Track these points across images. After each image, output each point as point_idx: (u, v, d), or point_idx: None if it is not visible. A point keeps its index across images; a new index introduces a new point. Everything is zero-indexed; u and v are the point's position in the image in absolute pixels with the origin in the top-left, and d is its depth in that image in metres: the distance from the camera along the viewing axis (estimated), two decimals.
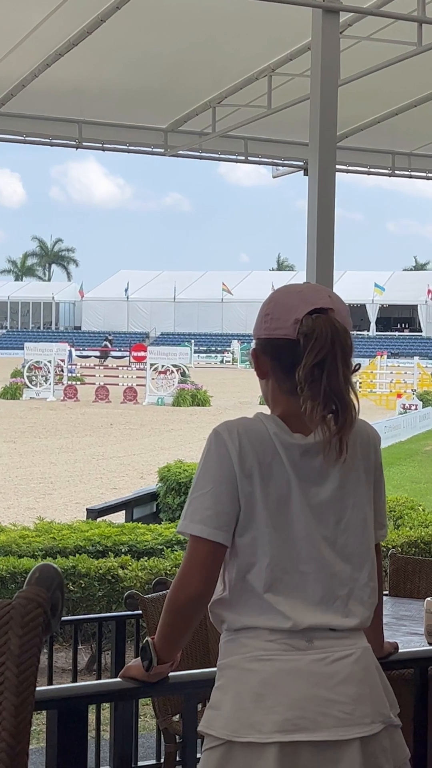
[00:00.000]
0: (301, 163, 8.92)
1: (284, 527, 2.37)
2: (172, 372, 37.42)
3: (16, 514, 14.15)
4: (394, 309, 79.22)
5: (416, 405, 32.06)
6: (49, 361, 38.90)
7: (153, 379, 37.58)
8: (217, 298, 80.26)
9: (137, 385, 37.97)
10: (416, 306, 78.63)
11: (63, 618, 6.16)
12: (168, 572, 7.45)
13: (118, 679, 2.57)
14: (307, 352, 2.32)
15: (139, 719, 5.71)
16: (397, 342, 73.35)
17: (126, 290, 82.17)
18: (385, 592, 5.36)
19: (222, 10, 6.59)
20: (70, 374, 40.73)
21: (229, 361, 63.65)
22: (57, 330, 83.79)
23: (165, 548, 8.21)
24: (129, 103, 8.10)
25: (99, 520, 9.81)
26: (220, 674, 2.41)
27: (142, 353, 41.32)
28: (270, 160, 9.27)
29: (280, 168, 9.48)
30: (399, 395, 35.26)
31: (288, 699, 2.31)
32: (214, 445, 2.37)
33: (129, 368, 42.05)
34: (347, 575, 2.41)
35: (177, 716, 4.31)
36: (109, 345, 59.76)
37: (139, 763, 5.24)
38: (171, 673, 2.55)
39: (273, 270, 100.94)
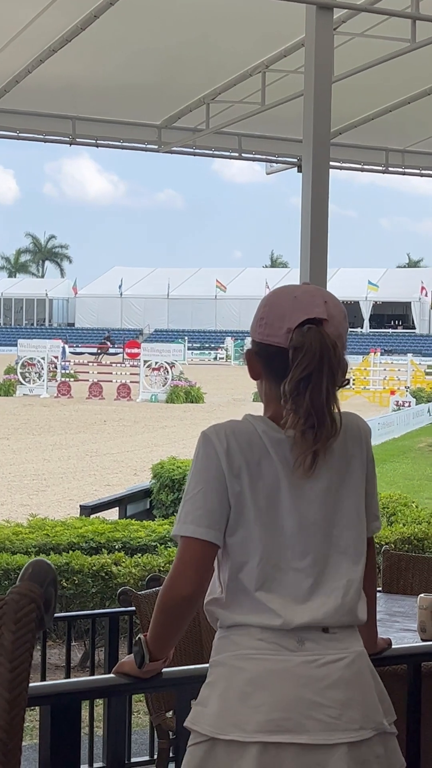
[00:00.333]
0: (295, 160, 8.90)
1: (275, 525, 2.38)
2: (166, 369, 37.42)
3: (9, 511, 14.15)
4: (387, 306, 79.31)
5: (409, 402, 32.11)
6: (43, 358, 38.88)
7: (146, 375, 37.57)
8: (210, 294, 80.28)
9: (131, 381, 37.98)
10: (409, 303, 78.74)
11: (56, 614, 6.17)
12: (161, 569, 7.45)
13: (111, 675, 2.57)
14: (295, 365, 2.33)
15: (133, 716, 5.72)
16: (391, 339, 73.46)
17: (120, 287, 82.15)
18: (378, 589, 5.37)
19: (216, 6, 6.59)
20: (63, 371, 40.73)
21: (222, 358, 63.69)
22: (50, 327, 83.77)
23: (158, 545, 8.22)
24: (123, 100, 8.09)
25: (92, 516, 9.80)
26: (210, 671, 2.42)
27: (135, 350, 41.32)
28: (264, 157, 9.26)
29: (274, 165, 9.47)
30: (392, 392, 35.32)
31: (273, 699, 2.31)
32: (202, 447, 2.39)
33: (122, 365, 42.06)
34: (343, 570, 2.42)
35: (170, 712, 4.31)
36: (108, 342, 59.80)
37: (133, 760, 5.25)
38: (164, 669, 2.56)
39: (267, 267, 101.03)
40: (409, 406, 31.29)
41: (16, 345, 42.77)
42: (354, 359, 48.45)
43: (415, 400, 32.76)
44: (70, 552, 7.81)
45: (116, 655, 4.94)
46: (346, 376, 2.47)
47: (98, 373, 41.10)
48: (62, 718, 2.47)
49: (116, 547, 8.16)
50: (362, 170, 9.56)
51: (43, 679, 5.20)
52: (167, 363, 37.73)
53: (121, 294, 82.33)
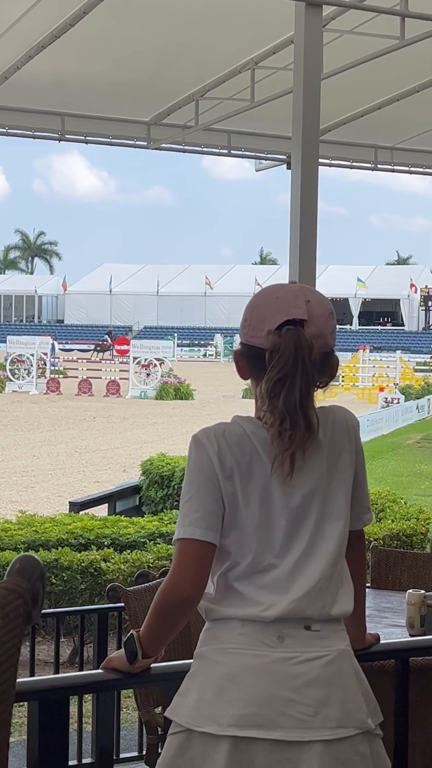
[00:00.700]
0: (284, 157, 8.91)
1: (268, 524, 2.40)
2: (155, 365, 37.41)
3: None
4: (376, 303, 79.36)
5: (398, 399, 32.16)
6: (32, 355, 38.83)
7: (136, 372, 37.55)
8: (200, 291, 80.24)
9: (120, 378, 37.95)
10: (398, 300, 78.82)
11: (45, 611, 6.16)
12: (150, 565, 7.46)
13: (100, 671, 2.58)
14: (270, 367, 2.35)
15: (122, 712, 5.72)
16: (380, 336, 73.53)
17: (109, 284, 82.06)
18: (366, 585, 5.38)
19: (205, 3, 6.59)
20: (52, 367, 40.66)
21: (212, 355, 63.67)
22: (40, 323, 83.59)
23: (147, 541, 8.22)
24: (112, 96, 8.08)
25: (81, 513, 9.81)
26: (193, 663, 2.45)
27: (125, 347, 41.28)
28: (253, 154, 9.27)
29: (263, 162, 9.47)
30: (381, 389, 35.39)
31: (248, 695, 2.32)
32: (194, 450, 2.41)
33: (112, 362, 42.01)
34: (330, 561, 2.42)
35: (159, 708, 4.31)
36: (109, 339, 59.73)
37: (121, 755, 5.26)
38: (152, 665, 2.57)
39: (256, 264, 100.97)
40: (398, 403, 31.34)
41: (5, 341, 42.69)
42: (343, 356, 48.43)
43: (403, 397, 32.81)
44: (59, 548, 7.81)
45: (105, 651, 4.94)
46: (336, 373, 2.48)
47: (87, 369, 41.05)
48: (50, 714, 2.47)
49: (105, 543, 8.16)
50: (351, 167, 9.57)
51: (32, 675, 5.20)
52: (156, 360, 37.72)
53: (110, 291, 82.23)
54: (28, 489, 16.56)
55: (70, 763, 5.11)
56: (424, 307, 75.52)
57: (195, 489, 2.39)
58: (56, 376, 39.43)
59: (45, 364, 39.88)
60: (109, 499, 11.71)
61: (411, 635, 4.16)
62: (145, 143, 8.59)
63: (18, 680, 1.92)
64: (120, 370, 39.40)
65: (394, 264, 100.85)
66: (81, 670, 5.45)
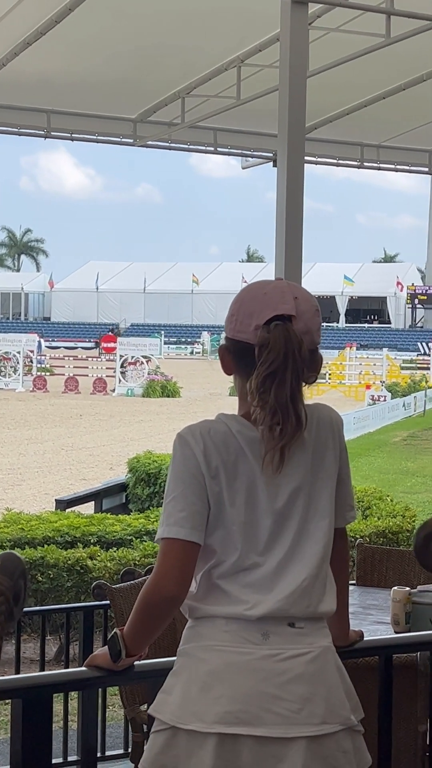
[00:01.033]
0: (271, 155, 8.91)
1: (253, 523, 2.40)
2: (142, 363, 37.39)
3: None
4: (363, 301, 79.51)
5: (385, 396, 32.22)
6: (18, 352, 38.78)
7: (123, 370, 37.52)
8: (187, 289, 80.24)
9: (107, 376, 37.91)
10: (385, 298, 78.97)
11: (31, 609, 6.17)
12: (137, 562, 7.46)
13: (83, 668, 2.58)
14: (260, 362, 2.35)
15: (108, 709, 5.73)
16: (366, 333, 73.66)
17: (96, 281, 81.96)
18: (352, 582, 5.40)
19: (191, 1, 6.58)
20: (39, 365, 40.61)
21: (199, 353, 63.67)
22: (26, 321, 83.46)
23: (134, 539, 8.22)
24: (98, 93, 8.07)
25: (68, 510, 9.79)
26: (176, 660, 2.45)
27: (111, 344, 41.24)
28: (239, 151, 9.26)
29: (250, 159, 9.47)
30: (368, 386, 35.45)
31: (233, 692, 2.33)
32: (179, 448, 2.40)
33: (99, 359, 41.96)
34: (314, 561, 2.43)
35: (144, 706, 4.32)
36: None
37: (107, 753, 5.27)
38: (136, 662, 2.57)
39: (243, 262, 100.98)
40: (385, 400, 31.39)
41: None
42: (330, 354, 48.58)
43: (390, 394, 32.87)
44: (46, 546, 7.80)
45: (91, 649, 4.94)
46: (321, 371, 2.49)
47: (74, 367, 41.01)
48: (34, 712, 2.47)
49: (91, 541, 8.15)
50: (337, 165, 9.58)
51: (17, 673, 5.20)
52: (143, 357, 37.69)
53: (97, 288, 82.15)
54: (14, 487, 16.54)
55: (56, 761, 5.11)
56: (410, 305, 75.67)
57: (180, 488, 2.38)
58: (43, 373, 39.38)
59: (31, 361, 39.85)
60: (96, 496, 11.68)
61: (396, 632, 4.17)
62: (131, 140, 8.58)
63: (1, 678, 1.92)
64: (107, 368, 39.37)
65: (380, 262, 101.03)
66: (67, 667, 5.45)
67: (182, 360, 57.83)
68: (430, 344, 53.15)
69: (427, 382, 38.13)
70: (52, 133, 8.27)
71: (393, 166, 9.73)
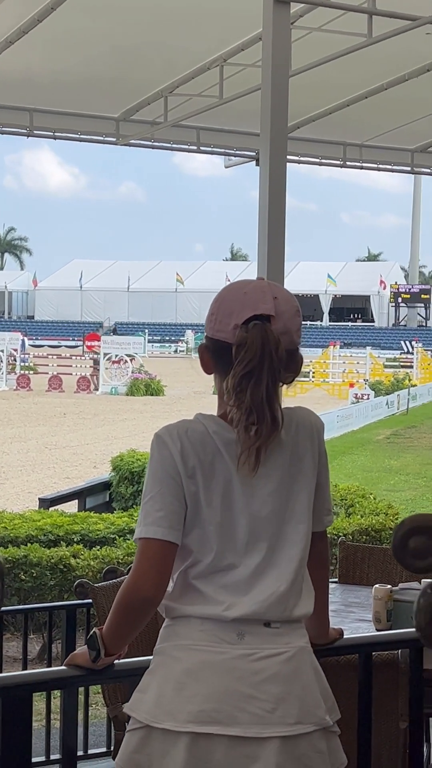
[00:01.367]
0: (254, 154, 8.93)
1: (229, 523, 2.40)
2: (126, 361, 37.34)
3: None
4: (346, 299, 79.57)
5: (368, 395, 32.25)
6: (2, 351, 38.64)
7: (106, 368, 37.48)
8: (171, 287, 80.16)
9: (91, 374, 37.85)
10: (368, 296, 79.07)
11: (14, 607, 6.15)
12: (120, 561, 7.46)
13: (63, 667, 2.58)
14: (237, 361, 2.34)
15: (91, 708, 5.73)
16: (350, 332, 73.75)
17: (80, 280, 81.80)
18: (334, 580, 5.41)
19: (174, 0, 6.59)
20: (22, 363, 40.49)
21: (183, 351, 63.62)
22: (10, 319, 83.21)
23: (117, 537, 8.22)
24: (81, 92, 8.07)
25: (51, 509, 9.78)
26: (153, 659, 2.45)
27: (95, 343, 41.17)
28: (222, 150, 9.28)
29: (233, 158, 9.48)
30: (351, 385, 35.45)
31: (207, 691, 2.33)
32: (156, 448, 2.40)
33: (82, 357, 41.87)
34: (291, 564, 2.43)
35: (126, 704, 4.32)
36: (114, 335, 59.99)
37: (90, 751, 5.27)
38: (116, 661, 2.57)
39: (227, 260, 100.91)
40: (368, 398, 31.42)
41: None
42: (313, 352, 48.65)
43: (373, 392, 32.89)
44: (29, 545, 7.80)
45: (73, 648, 4.94)
46: (301, 371, 2.49)
47: (58, 365, 40.92)
48: (14, 711, 2.47)
49: (75, 539, 8.16)
50: (320, 164, 9.61)
51: (0, 671, 5.19)
52: (127, 356, 37.64)
53: (81, 287, 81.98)
54: None
55: (39, 759, 5.12)
56: (393, 304, 75.78)
57: (157, 487, 2.38)
58: (26, 372, 39.27)
59: (15, 360, 39.70)
60: (79, 495, 11.67)
61: (377, 630, 4.18)
62: (114, 139, 8.59)
63: None
64: (90, 366, 39.29)
65: (364, 260, 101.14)
66: (49, 666, 5.45)
67: (166, 358, 57.77)
68: (413, 343, 53.21)
69: (410, 380, 38.19)
70: (35, 132, 8.27)
71: (375, 166, 9.77)
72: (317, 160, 9.55)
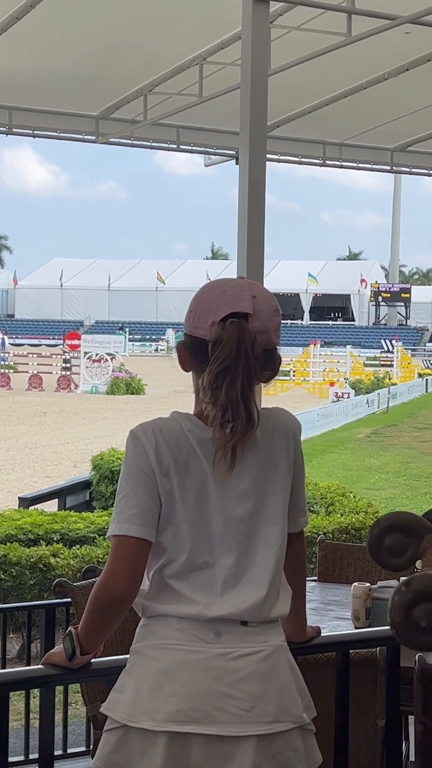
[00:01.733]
0: (234, 152, 8.93)
1: (203, 522, 2.40)
2: (106, 360, 37.29)
3: None
4: (327, 298, 79.73)
5: (348, 393, 32.32)
6: None
7: (87, 367, 37.42)
8: (151, 286, 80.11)
9: (71, 373, 37.78)
10: (349, 295, 79.25)
11: None
12: (100, 560, 7.45)
13: (40, 666, 2.58)
14: (213, 359, 2.34)
15: (70, 707, 5.72)
16: (330, 331, 73.92)
17: (60, 278, 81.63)
18: (314, 578, 5.43)
19: None
20: (2, 362, 40.40)
21: (163, 350, 63.59)
22: None
23: (97, 536, 8.20)
24: (60, 90, 8.05)
25: (31, 508, 9.75)
26: (129, 659, 2.45)
27: (76, 341, 41.10)
28: (202, 149, 9.28)
29: (213, 157, 9.49)
30: (332, 384, 35.52)
31: (184, 690, 2.33)
32: (131, 446, 2.40)
33: (63, 356, 41.77)
34: (266, 565, 2.43)
35: None
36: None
37: (69, 750, 5.27)
38: (93, 660, 2.57)
39: (207, 259, 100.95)
40: (348, 397, 31.50)
41: None
42: (294, 351, 48.75)
43: (354, 391, 32.97)
44: (8, 544, 7.77)
45: (52, 647, 4.92)
46: (279, 371, 2.49)
47: (38, 364, 40.83)
48: None
49: (55, 538, 8.13)
50: (300, 163, 9.63)
51: None
52: (108, 354, 37.59)
53: (61, 285, 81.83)
54: None
55: (17, 759, 5.11)
56: (374, 303, 75.99)
57: (131, 485, 2.38)
58: (6, 371, 39.16)
59: None
60: (60, 494, 11.64)
61: (356, 628, 4.20)
62: (93, 138, 8.58)
63: None
64: (72, 365, 39.20)
65: (344, 260, 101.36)
66: (28, 665, 5.44)
67: (147, 357, 57.73)
68: (393, 341, 53.36)
69: (390, 379, 38.31)
70: (14, 130, 8.25)
71: (355, 165, 9.79)
72: (297, 159, 9.56)
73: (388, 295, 75.11)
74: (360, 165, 9.81)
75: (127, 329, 57.02)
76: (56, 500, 11.43)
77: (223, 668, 2.35)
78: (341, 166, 9.73)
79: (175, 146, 8.97)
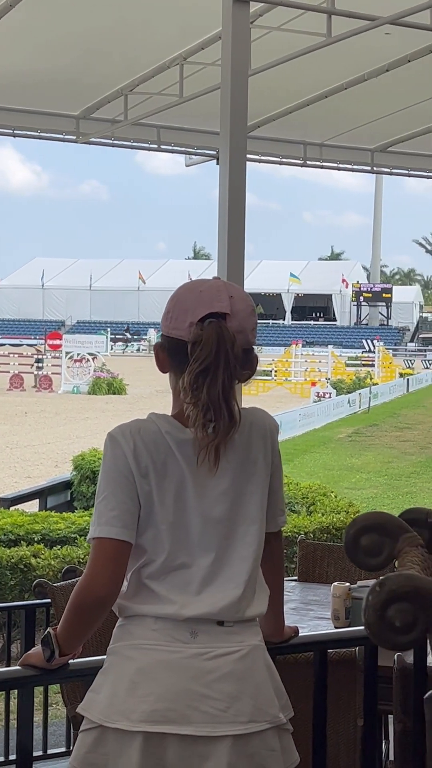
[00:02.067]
0: (214, 152, 8.94)
1: (182, 523, 2.40)
2: (88, 360, 37.24)
3: None
4: (309, 298, 79.84)
5: (330, 393, 32.37)
6: None
7: (68, 367, 37.35)
8: (133, 286, 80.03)
9: (53, 373, 37.72)
10: (330, 295, 79.38)
11: None
12: (81, 560, 7.44)
13: (17, 667, 2.57)
14: (193, 359, 2.35)
15: (51, 708, 5.72)
16: (312, 331, 74.05)
17: (41, 278, 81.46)
18: (294, 578, 5.44)
19: None
20: None
21: (145, 350, 63.54)
22: None
23: (78, 537, 8.18)
24: (40, 89, 8.04)
25: (12, 508, 9.73)
26: (106, 659, 2.45)
27: (57, 341, 41.02)
28: (183, 149, 9.29)
29: (194, 157, 9.49)
30: (313, 383, 35.57)
31: (160, 690, 2.33)
32: (109, 448, 2.40)
33: (44, 356, 41.70)
34: (244, 565, 2.43)
35: None
36: (128, 335, 60.21)
37: (49, 751, 5.26)
38: (71, 661, 2.56)
39: (189, 259, 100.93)
40: (330, 397, 31.54)
41: None
42: (276, 351, 48.79)
43: (335, 391, 33.02)
44: None
45: (32, 647, 4.93)
46: (257, 370, 2.49)
47: (19, 364, 40.73)
48: None
49: (35, 539, 8.11)
50: (281, 163, 9.65)
51: None
52: (89, 354, 37.54)
53: (42, 285, 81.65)
54: None
55: None
56: (355, 303, 76.15)
57: (111, 487, 2.38)
58: None
59: None
60: (41, 494, 11.62)
61: (336, 627, 4.20)
62: (74, 137, 8.57)
63: None
64: (52, 365, 39.15)
65: (326, 260, 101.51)
66: (8, 666, 5.42)
67: (128, 357, 57.68)
68: (374, 341, 53.49)
69: (371, 379, 38.41)
70: None
71: (336, 165, 9.81)
72: (278, 160, 9.58)
73: (370, 295, 75.26)
74: (341, 165, 9.83)
75: (129, 332, 57.35)
76: (37, 500, 11.41)
77: (199, 668, 2.35)
78: (322, 167, 9.75)
79: (155, 146, 8.97)
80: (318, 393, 32.26)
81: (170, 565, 2.39)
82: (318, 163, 9.67)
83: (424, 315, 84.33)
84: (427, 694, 1.81)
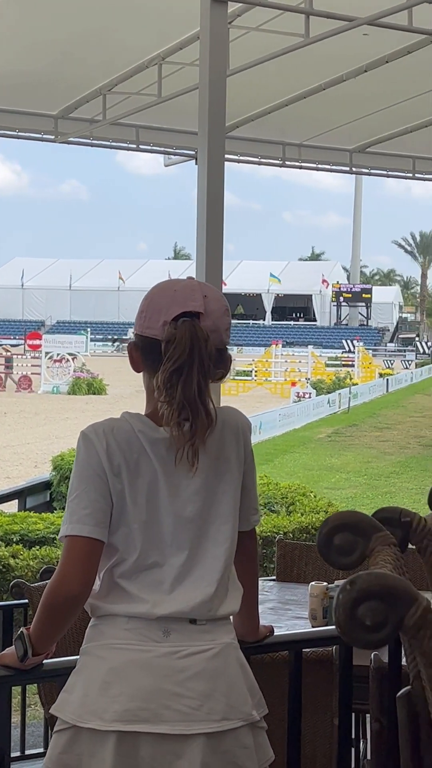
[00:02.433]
0: (193, 152, 8.94)
1: (154, 522, 2.40)
2: (68, 360, 37.17)
3: None
4: (289, 298, 79.99)
5: (310, 393, 32.41)
6: None
7: (48, 367, 37.27)
8: (113, 286, 79.96)
9: (32, 373, 37.63)
10: (311, 296, 79.53)
11: None
12: None
13: None
14: (167, 358, 2.35)
15: (29, 708, 5.70)
16: (292, 331, 74.15)
17: (21, 278, 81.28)
18: (272, 578, 5.44)
19: None
20: None
21: (125, 350, 63.52)
22: None
23: (57, 537, 8.17)
24: (18, 89, 8.02)
25: None
26: (78, 659, 2.45)
27: (37, 341, 40.92)
28: (162, 149, 9.29)
29: (173, 157, 9.49)
30: (293, 384, 35.61)
31: (132, 689, 2.33)
32: (83, 447, 2.40)
33: (24, 356, 41.61)
34: (216, 564, 2.44)
35: None
36: (119, 344, 60.43)
37: (27, 752, 5.24)
38: (45, 660, 2.56)
39: (170, 259, 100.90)
40: (310, 397, 31.59)
41: None
42: (256, 351, 48.83)
43: (315, 391, 33.07)
44: None
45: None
46: (230, 369, 2.50)
47: None
48: None
49: (14, 539, 8.10)
50: (260, 164, 9.66)
51: None
52: (69, 354, 37.47)
53: (22, 285, 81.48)
54: None
55: None
56: (335, 303, 76.31)
57: (83, 485, 2.38)
58: None
59: None
60: (20, 495, 11.60)
61: (313, 627, 4.21)
62: (52, 137, 8.55)
63: None
64: (32, 365, 39.06)
65: (306, 260, 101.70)
66: None
67: (108, 357, 57.60)
68: (354, 342, 53.58)
69: (351, 379, 38.48)
70: None
71: (315, 165, 9.83)
72: (257, 160, 9.59)
73: (350, 295, 75.45)
74: (319, 165, 9.85)
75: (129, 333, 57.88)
76: (16, 501, 11.39)
77: (171, 667, 2.35)
78: (301, 167, 9.77)
79: (134, 146, 8.97)
80: (298, 393, 32.29)
81: (142, 564, 2.39)
82: (297, 164, 9.69)
83: (404, 315, 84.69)
84: (399, 692, 1.82)
